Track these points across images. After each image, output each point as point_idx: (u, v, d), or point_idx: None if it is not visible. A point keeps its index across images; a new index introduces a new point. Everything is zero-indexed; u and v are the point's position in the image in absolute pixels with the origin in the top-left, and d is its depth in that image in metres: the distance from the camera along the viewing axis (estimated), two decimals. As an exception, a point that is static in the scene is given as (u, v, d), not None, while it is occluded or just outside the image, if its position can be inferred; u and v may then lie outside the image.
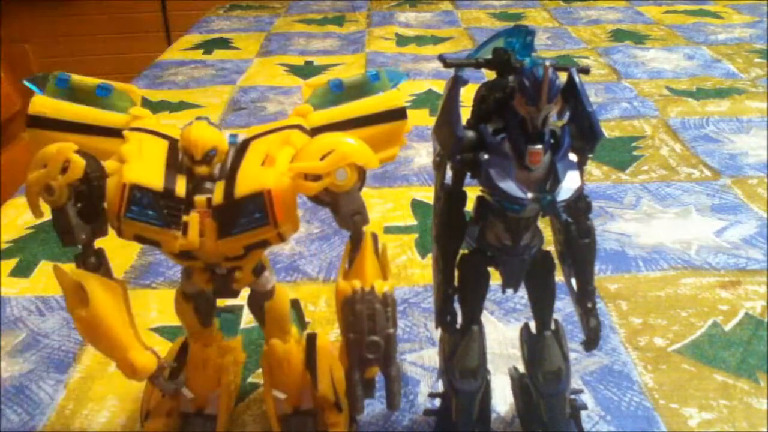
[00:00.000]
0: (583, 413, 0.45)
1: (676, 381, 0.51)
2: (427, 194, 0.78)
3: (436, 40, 1.41)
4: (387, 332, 0.35)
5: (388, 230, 0.72)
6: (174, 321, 0.53)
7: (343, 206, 0.35)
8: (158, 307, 0.60)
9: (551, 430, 0.42)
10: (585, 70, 0.37)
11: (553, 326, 0.41)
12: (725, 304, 0.59)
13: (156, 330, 0.57)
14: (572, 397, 0.43)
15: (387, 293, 0.35)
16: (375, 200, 0.77)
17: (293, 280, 0.64)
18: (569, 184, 0.34)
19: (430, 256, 0.66)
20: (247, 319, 0.57)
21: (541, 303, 0.41)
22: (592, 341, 0.41)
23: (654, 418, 0.48)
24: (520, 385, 0.46)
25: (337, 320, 0.36)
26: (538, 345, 0.41)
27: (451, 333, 0.41)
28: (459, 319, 0.41)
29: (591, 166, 0.85)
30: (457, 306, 0.41)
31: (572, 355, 0.48)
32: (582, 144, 0.36)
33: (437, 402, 0.46)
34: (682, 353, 0.54)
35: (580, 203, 0.38)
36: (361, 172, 0.35)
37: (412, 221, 0.73)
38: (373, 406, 0.48)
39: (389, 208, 0.76)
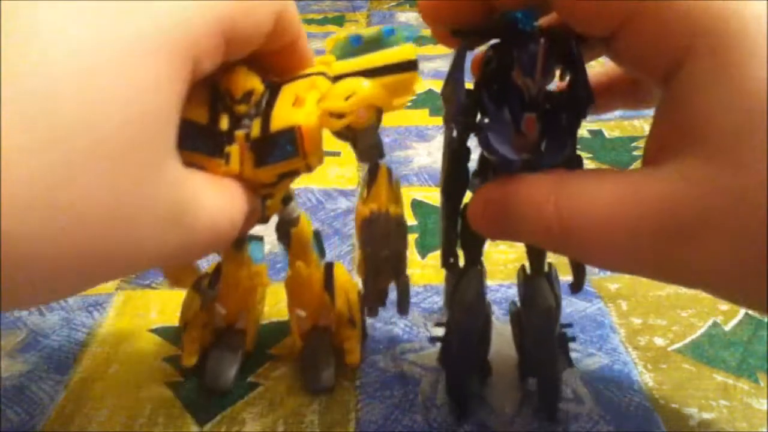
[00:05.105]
0: (583, 413, 0.45)
1: (676, 381, 0.51)
2: (427, 194, 0.78)
3: (436, 40, 1.41)
4: (398, 249, 0.41)
5: (388, 230, 0.72)
6: (174, 322, 0.54)
7: (361, 141, 0.41)
8: (158, 307, 0.60)
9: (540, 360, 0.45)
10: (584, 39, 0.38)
11: (546, 270, 0.45)
12: (725, 304, 0.59)
13: (155, 331, 0.57)
14: (561, 331, 0.47)
15: (399, 216, 0.41)
16: (375, 200, 0.77)
17: (293, 280, 0.64)
18: (560, 147, 0.37)
19: (430, 256, 0.66)
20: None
21: (536, 249, 0.45)
22: (579, 283, 0.44)
23: (654, 418, 0.48)
24: (518, 318, 0.50)
25: (356, 237, 0.42)
26: (531, 285, 0.45)
27: (453, 273, 0.45)
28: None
29: (591, 166, 0.85)
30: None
31: (572, 355, 0.48)
32: (576, 108, 0.37)
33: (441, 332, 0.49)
34: (682, 353, 0.54)
35: (573, 165, 0.40)
36: (379, 112, 0.40)
37: (413, 221, 0.73)
38: (374, 406, 0.48)
39: (389, 208, 0.76)
